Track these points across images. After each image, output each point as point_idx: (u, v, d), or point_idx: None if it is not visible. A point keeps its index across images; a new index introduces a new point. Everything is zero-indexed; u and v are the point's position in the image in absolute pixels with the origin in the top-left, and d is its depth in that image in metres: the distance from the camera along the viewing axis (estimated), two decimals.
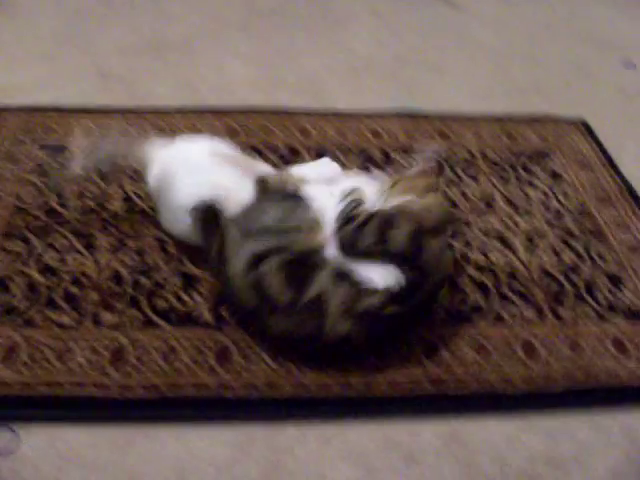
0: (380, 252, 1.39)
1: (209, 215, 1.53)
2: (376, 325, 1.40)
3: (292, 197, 1.51)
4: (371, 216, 1.42)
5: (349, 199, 1.47)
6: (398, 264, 1.37)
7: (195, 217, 1.55)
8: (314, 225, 1.44)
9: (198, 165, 1.62)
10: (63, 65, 2.38)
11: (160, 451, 1.34)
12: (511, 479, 1.36)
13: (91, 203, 1.81)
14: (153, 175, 1.67)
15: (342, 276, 1.37)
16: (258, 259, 1.39)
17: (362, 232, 1.40)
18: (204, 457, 1.34)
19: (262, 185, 1.55)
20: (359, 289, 1.36)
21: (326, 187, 1.54)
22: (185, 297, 1.60)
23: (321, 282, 1.37)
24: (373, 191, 1.52)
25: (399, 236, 1.39)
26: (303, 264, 1.39)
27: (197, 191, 1.55)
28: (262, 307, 1.40)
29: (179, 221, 1.60)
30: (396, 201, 1.47)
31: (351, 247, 1.40)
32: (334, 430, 1.41)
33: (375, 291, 1.36)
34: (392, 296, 1.37)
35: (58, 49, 2.47)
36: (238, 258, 1.42)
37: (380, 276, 1.37)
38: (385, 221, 1.41)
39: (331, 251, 1.41)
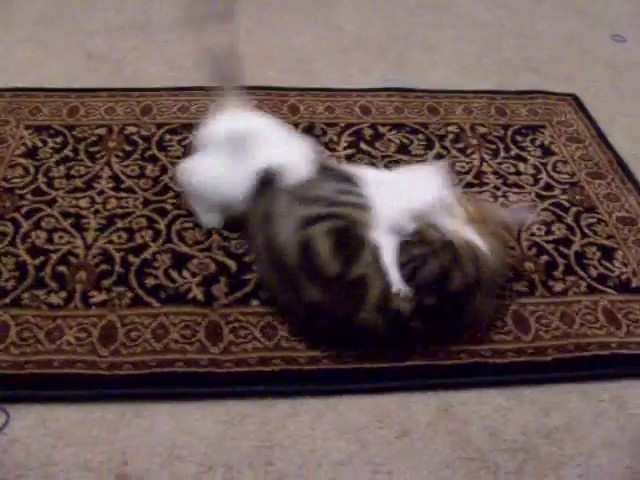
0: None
1: (267, 179, 1.53)
2: (398, 330, 1.41)
3: (350, 179, 1.52)
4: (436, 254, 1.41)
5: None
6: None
7: (256, 180, 1.56)
8: (366, 206, 1.45)
9: (275, 136, 1.65)
10: (49, 46, 2.36)
11: (151, 428, 1.34)
12: (503, 450, 1.36)
13: (78, 182, 1.80)
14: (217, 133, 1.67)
15: (382, 268, 1.38)
16: (309, 221, 1.40)
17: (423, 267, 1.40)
18: (195, 433, 1.34)
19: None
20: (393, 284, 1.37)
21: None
22: (174, 274, 1.59)
23: (366, 262, 1.37)
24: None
25: (451, 285, 1.40)
26: (352, 236, 1.40)
27: (269, 159, 1.56)
28: (304, 270, 1.39)
29: (237, 185, 1.59)
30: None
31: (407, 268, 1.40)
32: (325, 404, 1.40)
33: (407, 298, 1.37)
34: (419, 312, 1.38)
35: (44, 30, 2.45)
36: (289, 218, 1.42)
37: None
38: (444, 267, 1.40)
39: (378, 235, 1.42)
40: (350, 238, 1.40)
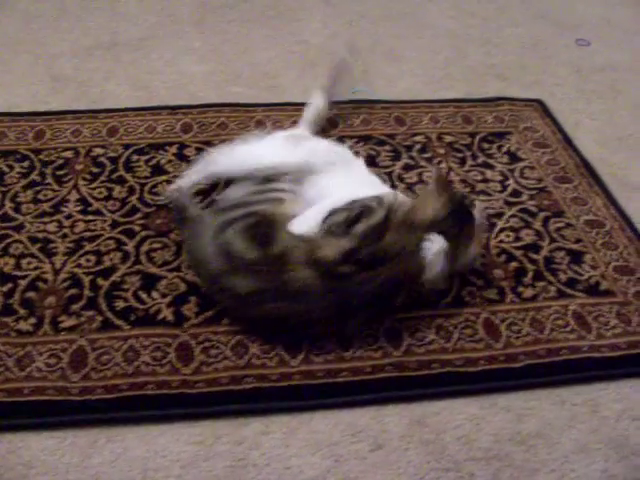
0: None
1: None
2: (333, 279, 1.44)
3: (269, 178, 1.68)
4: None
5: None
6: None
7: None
8: (279, 199, 1.60)
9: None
10: (14, 70, 2.35)
11: (124, 452, 1.33)
12: (477, 459, 1.36)
13: (46, 206, 1.80)
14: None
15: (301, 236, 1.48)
16: (222, 228, 1.51)
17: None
18: (169, 456, 1.33)
19: None
20: (316, 241, 1.46)
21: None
22: (144, 296, 1.59)
23: (284, 240, 1.47)
24: None
25: (358, 228, 1.50)
26: (266, 227, 1.50)
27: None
28: (231, 268, 1.46)
29: None
30: None
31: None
32: (299, 421, 1.40)
33: (329, 245, 1.45)
34: (347, 258, 1.44)
35: (10, 54, 2.43)
36: (206, 232, 1.53)
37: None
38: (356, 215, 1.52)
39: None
40: (263, 228, 1.50)
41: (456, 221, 1.54)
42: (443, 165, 2.02)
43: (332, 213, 1.56)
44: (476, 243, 1.63)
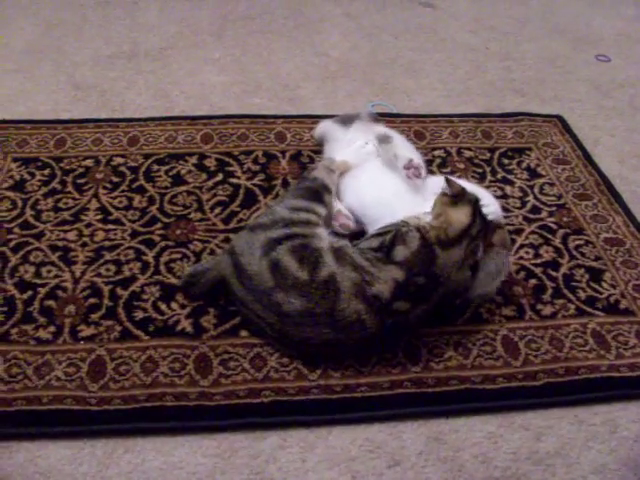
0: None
1: None
2: (387, 315, 1.44)
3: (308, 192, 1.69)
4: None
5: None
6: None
7: None
8: (316, 222, 1.60)
9: None
10: (37, 77, 2.37)
11: (141, 463, 1.33)
12: (495, 478, 1.36)
13: (66, 215, 1.80)
14: None
15: (343, 258, 1.48)
16: (270, 246, 1.50)
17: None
18: (186, 468, 1.33)
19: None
20: (368, 275, 1.45)
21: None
22: (163, 307, 1.59)
23: (330, 263, 1.46)
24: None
25: (400, 253, 1.47)
26: (310, 248, 1.50)
27: None
28: (280, 287, 1.45)
29: None
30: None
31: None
32: (316, 435, 1.40)
33: (381, 278, 1.44)
34: (401, 291, 1.43)
35: (32, 61, 2.45)
36: (252, 249, 1.52)
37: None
38: (397, 235, 1.51)
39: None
40: (308, 250, 1.49)
41: (483, 223, 1.54)
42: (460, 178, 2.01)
43: (365, 239, 1.59)
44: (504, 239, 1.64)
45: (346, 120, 1.98)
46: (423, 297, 1.47)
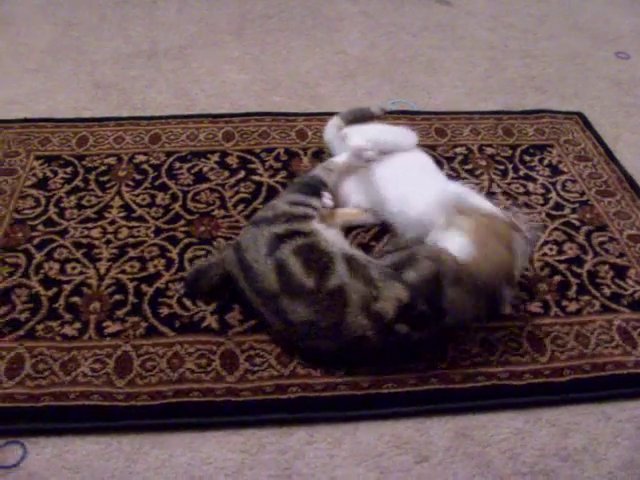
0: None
1: None
2: (388, 335, 1.41)
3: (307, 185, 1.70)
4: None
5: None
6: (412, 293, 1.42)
7: None
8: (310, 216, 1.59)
9: None
10: (57, 76, 2.38)
11: (169, 459, 1.34)
12: (523, 474, 1.35)
13: (89, 212, 1.81)
14: None
15: (356, 269, 1.44)
16: (274, 243, 1.48)
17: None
18: (214, 463, 1.33)
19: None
20: (375, 289, 1.41)
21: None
22: (188, 303, 1.59)
23: (340, 274, 1.42)
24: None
25: (409, 276, 1.43)
26: (318, 253, 1.47)
27: None
28: (286, 293, 1.43)
29: None
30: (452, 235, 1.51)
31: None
32: (343, 431, 1.40)
33: (389, 298, 1.40)
34: (403, 314, 1.40)
35: (52, 61, 2.46)
36: (256, 245, 1.50)
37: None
38: (408, 258, 1.47)
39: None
40: (315, 253, 1.47)
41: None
42: (484, 177, 2.01)
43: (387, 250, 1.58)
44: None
45: (347, 117, 1.97)
46: (424, 325, 1.44)
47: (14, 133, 2.08)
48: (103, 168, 1.96)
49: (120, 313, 1.57)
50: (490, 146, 2.15)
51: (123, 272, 1.66)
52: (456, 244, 1.47)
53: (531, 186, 2.00)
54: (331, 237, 1.56)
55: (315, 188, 1.68)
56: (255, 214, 1.70)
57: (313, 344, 1.46)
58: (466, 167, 2.05)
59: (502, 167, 2.06)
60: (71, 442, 1.35)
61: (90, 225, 1.78)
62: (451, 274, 1.42)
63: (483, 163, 2.07)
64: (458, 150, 2.12)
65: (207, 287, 1.60)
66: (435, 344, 1.53)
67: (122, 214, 1.81)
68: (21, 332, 1.52)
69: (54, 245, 1.72)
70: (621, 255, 1.80)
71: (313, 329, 1.42)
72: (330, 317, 1.40)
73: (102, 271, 1.66)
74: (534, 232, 1.69)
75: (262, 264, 1.47)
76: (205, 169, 1.97)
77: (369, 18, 2.86)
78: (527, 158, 2.11)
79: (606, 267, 1.76)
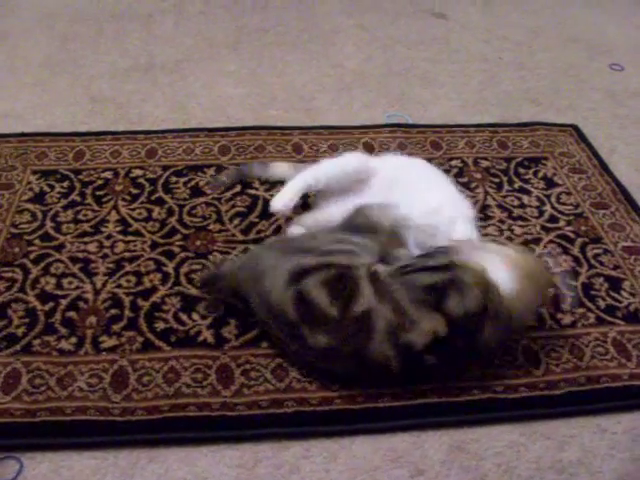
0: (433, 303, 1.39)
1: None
2: (413, 363, 1.40)
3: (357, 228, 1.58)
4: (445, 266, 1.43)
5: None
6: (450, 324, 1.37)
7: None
8: (358, 253, 1.48)
9: None
10: (54, 90, 2.39)
11: (165, 473, 1.34)
12: None
13: (86, 226, 1.82)
14: None
15: (383, 293, 1.38)
16: (300, 274, 1.41)
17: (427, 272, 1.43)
18: (210, 478, 1.33)
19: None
20: (404, 319, 1.36)
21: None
22: (184, 317, 1.60)
23: (368, 297, 1.37)
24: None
25: (453, 307, 1.38)
26: (346, 280, 1.40)
27: None
28: (305, 322, 1.39)
29: None
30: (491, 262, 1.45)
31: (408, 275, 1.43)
32: (339, 445, 1.40)
33: (420, 330, 1.36)
34: (436, 347, 1.37)
35: (49, 75, 2.48)
36: (277, 273, 1.44)
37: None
38: (456, 282, 1.40)
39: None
40: (344, 283, 1.40)
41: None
42: (479, 190, 2.02)
43: (415, 263, 1.48)
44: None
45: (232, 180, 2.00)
46: (454, 358, 1.43)
47: (11, 147, 2.09)
48: (100, 182, 1.97)
49: (116, 328, 1.57)
50: (485, 159, 2.16)
51: (119, 286, 1.66)
52: (498, 270, 1.42)
53: (526, 199, 2.01)
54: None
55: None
56: (288, 238, 1.72)
57: (332, 367, 1.45)
58: (461, 180, 2.05)
59: (497, 180, 2.07)
60: (67, 457, 1.35)
61: (87, 239, 1.78)
62: (493, 308, 1.39)
63: (478, 176, 2.08)
64: (453, 163, 2.13)
65: (218, 295, 1.61)
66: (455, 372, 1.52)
67: (118, 228, 1.82)
68: (17, 347, 1.52)
69: (50, 260, 1.72)
70: (616, 267, 1.80)
71: (333, 353, 1.40)
72: (353, 343, 1.37)
73: (98, 286, 1.66)
74: (566, 277, 1.69)
75: (279, 294, 1.42)
76: (201, 183, 1.98)
77: (365, 31, 2.88)
78: (522, 171, 2.12)
79: (601, 279, 1.77)
